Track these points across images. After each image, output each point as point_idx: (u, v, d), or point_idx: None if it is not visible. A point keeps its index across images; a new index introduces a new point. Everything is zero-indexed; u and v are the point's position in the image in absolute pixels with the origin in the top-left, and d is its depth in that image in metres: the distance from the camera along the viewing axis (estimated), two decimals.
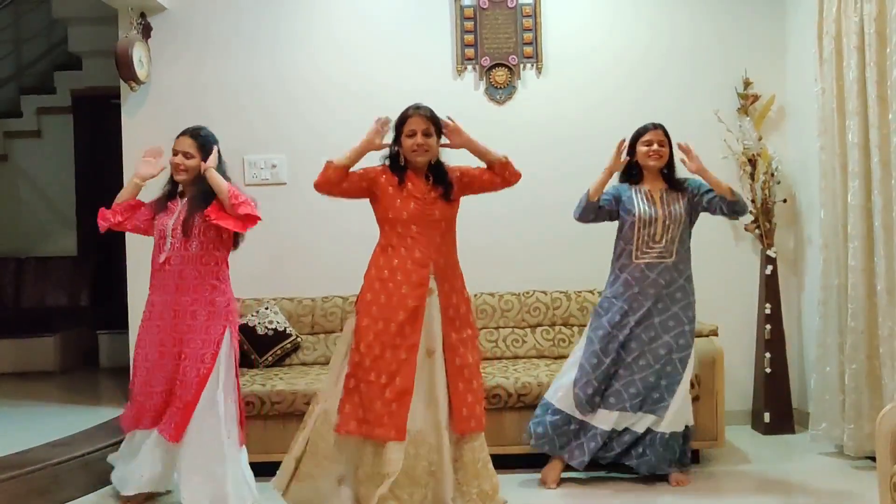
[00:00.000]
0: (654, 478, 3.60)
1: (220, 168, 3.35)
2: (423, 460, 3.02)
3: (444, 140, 3.21)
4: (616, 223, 3.70)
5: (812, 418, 3.99)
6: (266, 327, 4.27)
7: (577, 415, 3.56)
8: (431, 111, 3.19)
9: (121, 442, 3.52)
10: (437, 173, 3.20)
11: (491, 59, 4.62)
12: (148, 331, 3.33)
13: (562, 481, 3.61)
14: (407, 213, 3.11)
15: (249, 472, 3.37)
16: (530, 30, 4.62)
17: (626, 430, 3.55)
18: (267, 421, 3.76)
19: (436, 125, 3.18)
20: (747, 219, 4.44)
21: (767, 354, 4.38)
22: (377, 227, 3.22)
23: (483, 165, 3.27)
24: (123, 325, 4.64)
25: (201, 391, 3.22)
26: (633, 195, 3.64)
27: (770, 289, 4.43)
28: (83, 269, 6.49)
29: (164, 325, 3.28)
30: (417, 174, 3.19)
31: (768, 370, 4.37)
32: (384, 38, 4.64)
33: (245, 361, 4.07)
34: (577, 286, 4.44)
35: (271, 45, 4.65)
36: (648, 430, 3.53)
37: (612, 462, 3.61)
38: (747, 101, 4.53)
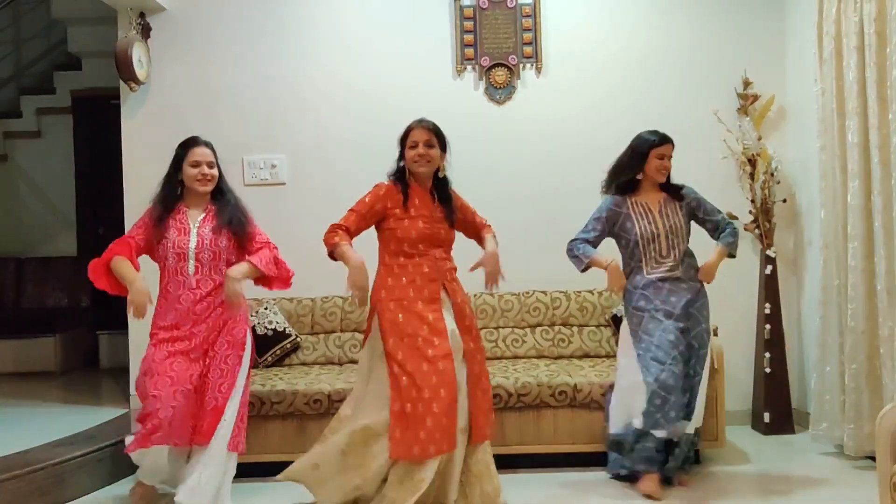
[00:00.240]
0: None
1: (222, 175, 3.35)
2: (436, 461, 3.04)
3: (447, 154, 3.25)
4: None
5: (812, 418, 4.00)
6: (266, 327, 4.27)
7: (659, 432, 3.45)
8: (434, 124, 3.22)
9: (120, 442, 3.52)
10: (441, 191, 3.26)
11: (490, 58, 4.62)
12: (172, 355, 3.17)
13: (564, 482, 3.62)
14: (416, 233, 3.15)
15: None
16: (530, 30, 4.62)
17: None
18: (267, 421, 3.76)
19: (438, 137, 3.21)
20: (747, 219, 4.45)
21: (767, 354, 4.38)
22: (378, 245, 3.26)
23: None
24: (123, 325, 4.64)
25: (229, 395, 3.21)
26: (630, 212, 3.58)
27: (770, 289, 4.43)
28: (83, 270, 6.43)
29: (189, 340, 3.20)
30: (422, 190, 3.22)
31: (768, 370, 4.37)
32: (384, 38, 4.65)
33: None
34: (577, 286, 4.44)
35: (271, 44, 4.65)
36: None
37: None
38: (747, 101, 4.53)
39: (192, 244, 3.22)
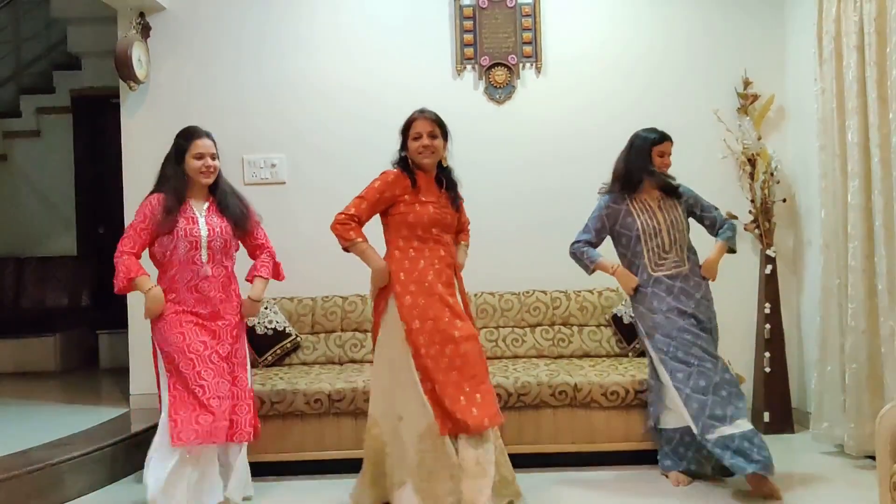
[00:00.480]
0: (657, 477, 3.62)
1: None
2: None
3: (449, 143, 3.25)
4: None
5: (813, 418, 4.00)
6: (266, 327, 4.27)
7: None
8: (436, 114, 3.23)
9: (120, 442, 3.52)
10: (445, 177, 3.27)
11: (490, 58, 4.62)
12: (193, 338, 3.14)
13: (564, 482, 3.63)
14: (428, 217, 3.16)
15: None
16: (529, 29, 4.62)
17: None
18: (266, 420, 3.75)
19: (441, 127, 3.22)
20: (747, 218, 4.45)
21: (767, 354, 4.38)
22: (381, 229, 3.25)
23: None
24: (123, 325, 4.64)
25: (250, 388, 3.30)
26: (630, 208, 3.58)
27: (770, 288, 4.43)
28: (83, 270, 6.49)
29: (207, 331, 3.20)
30: (428, 178, 3.22)
31: (768, 370, 4.37)
32: (383, 38, 4.64)
33: None
34: (577, 286, 4.44)
35: (270, 44, 4.65)
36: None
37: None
38: (747, 100, 4.53)
39: (204, 233, 3.21)
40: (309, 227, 4.54)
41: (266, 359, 4.25)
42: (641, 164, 3.56)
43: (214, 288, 3.22)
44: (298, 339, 4.37)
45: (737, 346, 4.45)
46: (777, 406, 4.37)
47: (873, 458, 2.74)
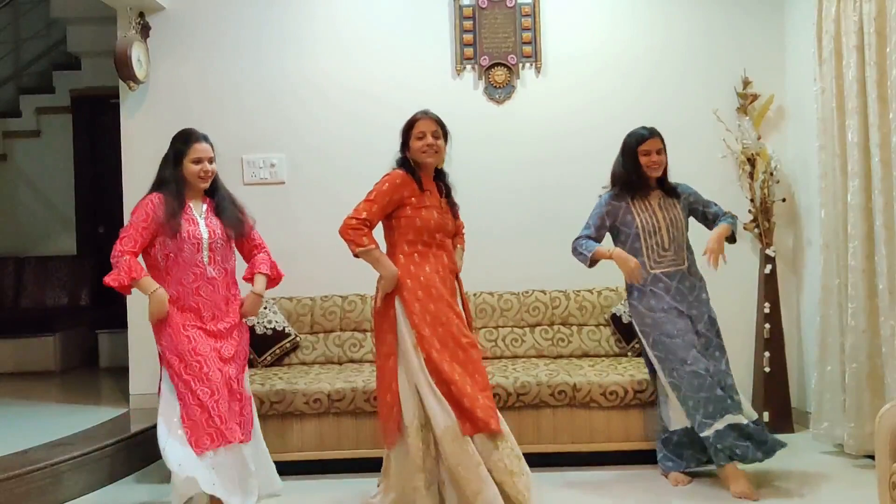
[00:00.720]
0: (656, 477, 3.63)
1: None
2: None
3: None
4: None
5: (813, 418, 4.00)
6: (265, 326, 4.27)
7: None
8: (438, 116, 3.23)
9: (119, 442, 3.52)
10: (443, 182, 3.28)
11: (490, 58, 4.62)
12: (200, 341, 3.14)
13: (564, 482, 3.63)
14: (434, 222, 3.16)
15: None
16: (529, 29, 4.62)
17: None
18: (266, 420, 3.75)
19: (443, 128, 3.22)
20: (746, 218, 4.45)
21: (766, 354, 4.38)
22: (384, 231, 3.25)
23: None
24: (123, 324, 4.64)
25: (247, 385, 3.30)
26: (630, 205, 3.58)
27: (769, 288, 4.43)
28: (83, 269, 6.49)
29: (211, 334, 3.20)
30: (429, 180, 3.23)
31: (767, 369, 4.37)
32: (383, 38, 4.64)
33: None
34: (577, 286, 4.44)
35: (270, 43, 4.65)
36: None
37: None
38: (746, 100, 4.52)
39: (205, 235, 3.20)
40: (308, 227, 4.55)
41: (265, 359, 4.25)
42: (630, 167, 3.56)
43: (216, 289, 3.22)
44: (298, 338, 4.37)
45: (737, 346, 4.44)
46: (777, 406, 4.36)
47: (873, 457, 2.74)
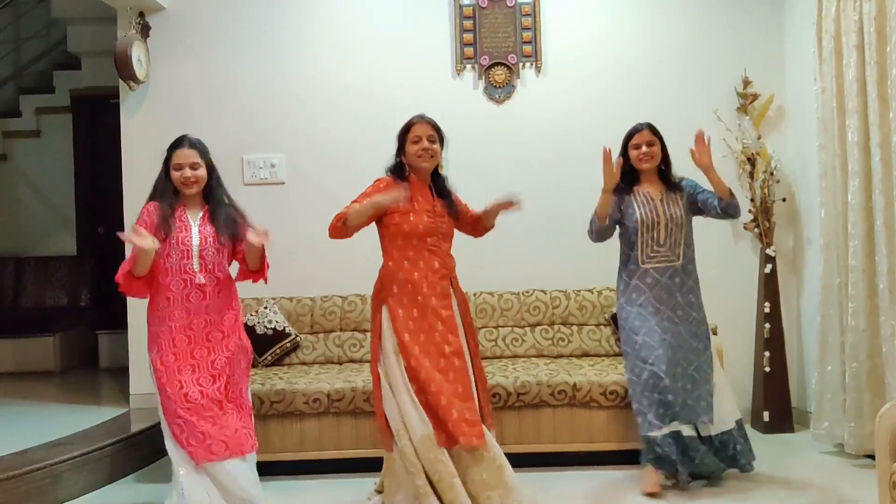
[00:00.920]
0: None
1: (214, 173, 3.31)
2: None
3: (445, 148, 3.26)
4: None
5: (813, 417, 4.00)
6: (265, 326, 4.27)
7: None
8: (434, 121, 3.23)
9: (119, 442, 3.51)
10: (438, 185, 3.27)
11: (490, 58, 4.62)
12: (183, 356, 3.12)
13: (564, 482, 3.63)
14: (423, 227, 3.15)
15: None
16: (529, 29, 4.62)
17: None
18: (266, 420, 3.75)
19: (438, 132, 3.22)
20: (746, 217, 4.45)
21: (767, 353, 4.38)
22: (378, 236, 3.25)
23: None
24: (123, 325, 4.64)
25: (248, 394, 3.26)
26: (633, 199, 3.60)
27: (769, 287, 4.43)
28: (83, 269, 6.49)
29: (199, 341, 3.16)
30: (421, 185, 3.22)
31: (767, 369, 4.37)
32: (383, 37, 4.64)
33: None
34: (577, 285, 4.44)
35: (270, 43, 4.65)
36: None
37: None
38: (746, 100, 4.52)
39: (196, 241, 3.17)
40: (308, 227, 4.54)
41: (265, 359, 4.25)
42: (625, 161, 3.61)
43: (207, 297, 3.17)
44: (298, 338, 4.37)
45: (737, 346, 4.45)
46: (777, 405, 4.36)
47: (873, 457, 2.74)
